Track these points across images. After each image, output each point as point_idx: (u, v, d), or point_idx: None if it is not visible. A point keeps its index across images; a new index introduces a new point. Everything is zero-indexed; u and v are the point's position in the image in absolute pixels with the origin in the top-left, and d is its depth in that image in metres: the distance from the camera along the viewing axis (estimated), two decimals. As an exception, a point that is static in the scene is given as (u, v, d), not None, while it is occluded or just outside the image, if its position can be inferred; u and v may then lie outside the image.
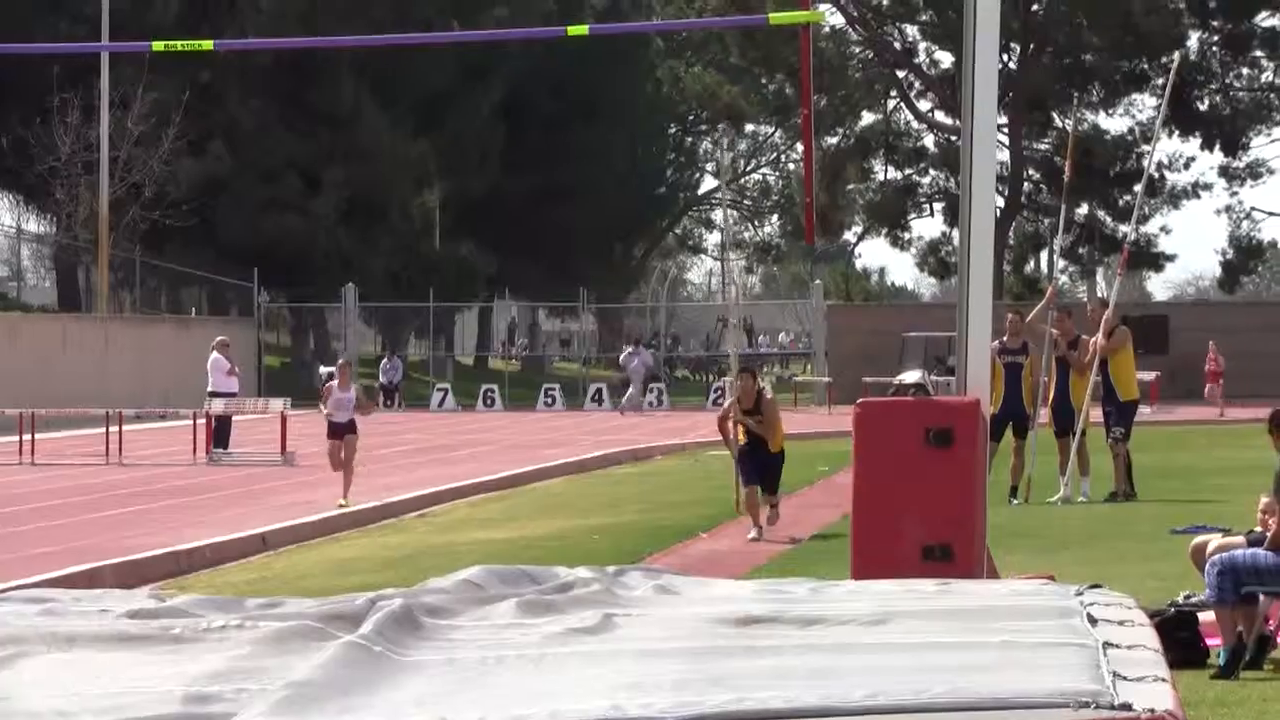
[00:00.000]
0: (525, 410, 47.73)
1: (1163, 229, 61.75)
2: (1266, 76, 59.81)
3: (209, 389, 28.58)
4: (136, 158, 48.23)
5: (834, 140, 58.87)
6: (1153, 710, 2.57)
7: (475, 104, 59.71)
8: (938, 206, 60.69)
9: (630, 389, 47.93)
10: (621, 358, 51.46)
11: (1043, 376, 18.17)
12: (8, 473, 25.46)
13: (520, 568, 4.56)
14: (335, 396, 20.54)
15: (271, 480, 22.51)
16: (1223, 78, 58.91)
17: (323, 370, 46.68)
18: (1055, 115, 58.20)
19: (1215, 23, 57.27)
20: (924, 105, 60.98)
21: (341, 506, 19.45)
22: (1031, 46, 56.76)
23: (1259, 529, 9.25)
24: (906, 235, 62.13)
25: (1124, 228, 50.12)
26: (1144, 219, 54.38)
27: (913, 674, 2.88)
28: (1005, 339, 17.76)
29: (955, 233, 23.30)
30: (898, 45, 60.11)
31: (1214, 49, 58.50)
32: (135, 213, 48.85)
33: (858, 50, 60.60)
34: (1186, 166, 60.22)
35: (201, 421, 27.38)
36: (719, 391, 42.16)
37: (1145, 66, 56.95)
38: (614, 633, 3.58)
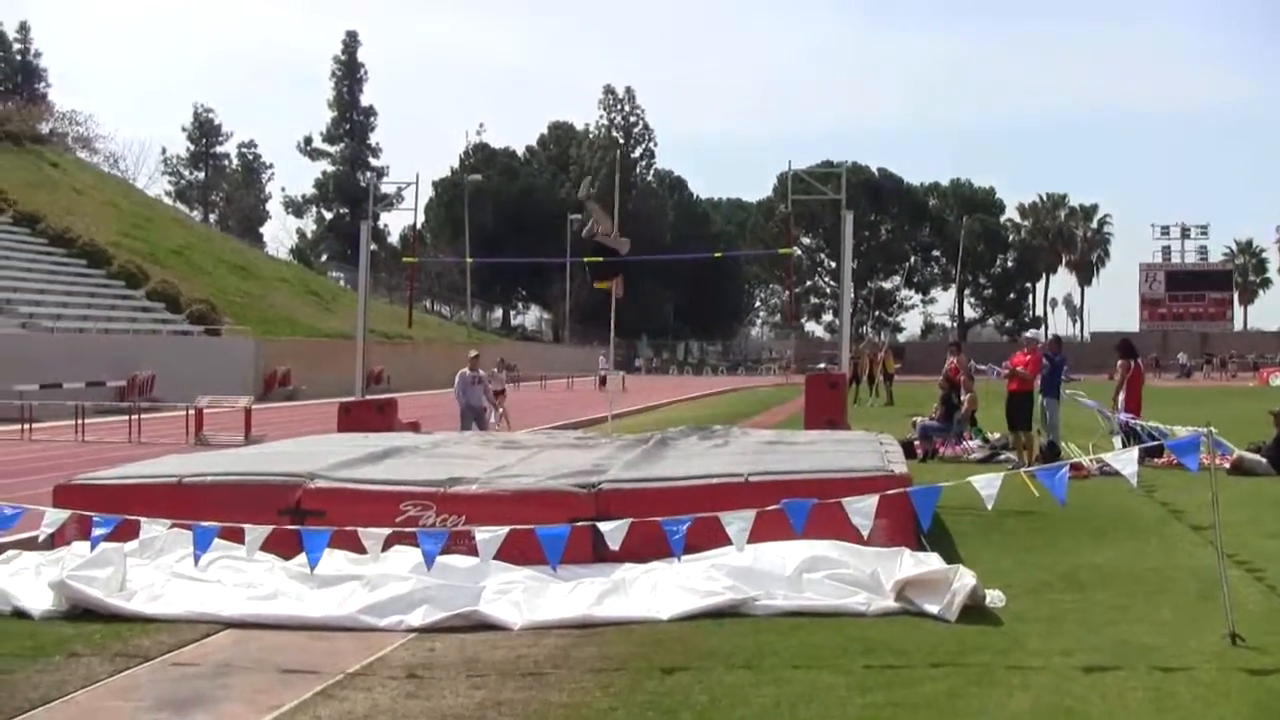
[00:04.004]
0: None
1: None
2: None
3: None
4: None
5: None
6: (902, 473, 11.51)
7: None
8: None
9: None
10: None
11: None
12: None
13: (697, 425, 17.50)
14: None
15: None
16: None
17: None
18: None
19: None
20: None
21: None
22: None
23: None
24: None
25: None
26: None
27: (823, 458, 12.83)
28: None
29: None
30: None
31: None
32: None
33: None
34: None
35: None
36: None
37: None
38: (728, 446, 15.33)
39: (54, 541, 10.25)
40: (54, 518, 9.74)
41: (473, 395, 22.75)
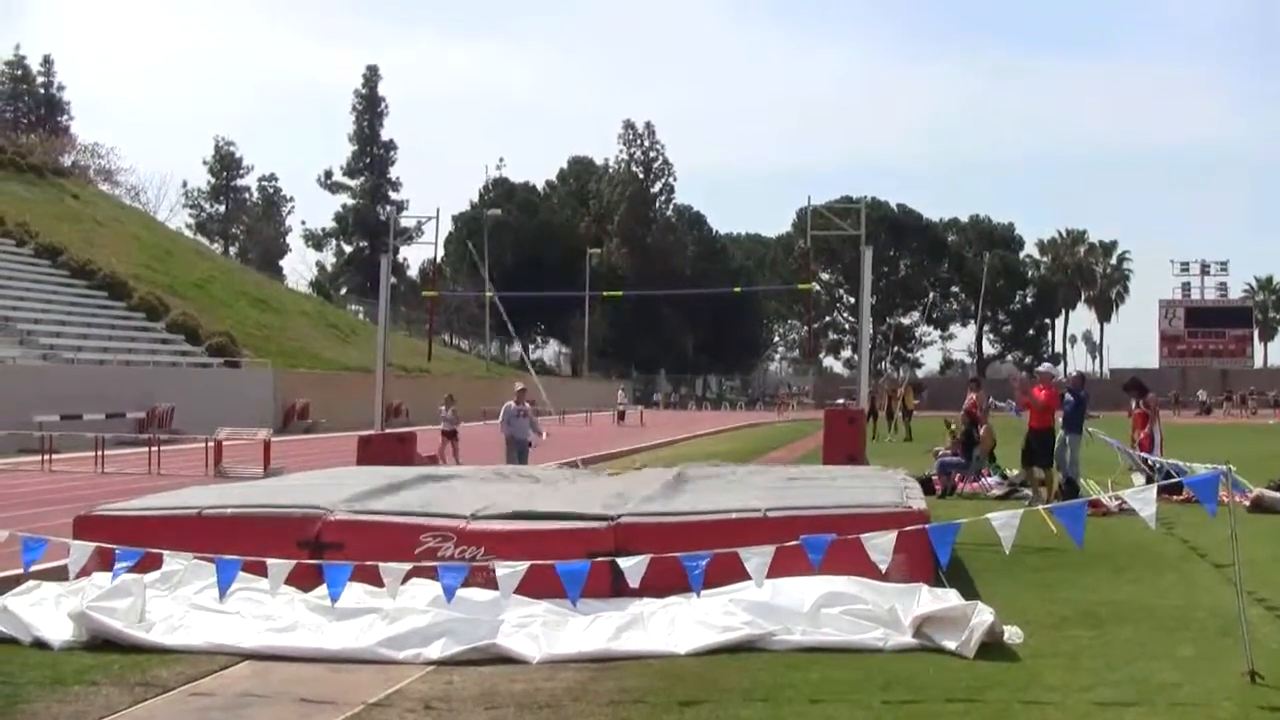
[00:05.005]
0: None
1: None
2: None
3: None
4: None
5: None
6: (920, 509, 11.28)
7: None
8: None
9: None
10: None
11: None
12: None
13: (716, 460, 15.93)
14: None
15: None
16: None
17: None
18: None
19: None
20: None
21: None
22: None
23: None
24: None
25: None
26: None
27: (842, 494, 12.46)
28: None
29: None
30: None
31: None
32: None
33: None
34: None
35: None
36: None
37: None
38: (746, 480, 14.73)
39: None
40: (79, 552, 9.79)
41: (518, 427, 22.88)
